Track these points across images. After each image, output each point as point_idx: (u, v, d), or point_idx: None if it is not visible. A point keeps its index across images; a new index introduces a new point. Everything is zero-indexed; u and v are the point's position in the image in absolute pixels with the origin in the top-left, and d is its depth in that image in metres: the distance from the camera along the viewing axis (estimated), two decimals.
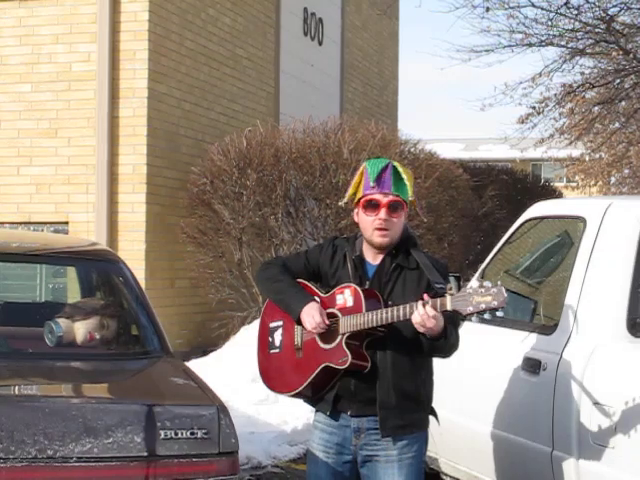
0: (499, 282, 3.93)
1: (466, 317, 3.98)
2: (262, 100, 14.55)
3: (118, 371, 5.14)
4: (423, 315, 3.94)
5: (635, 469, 4.56)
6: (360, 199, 4.30)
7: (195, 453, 4.13)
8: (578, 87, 16.04)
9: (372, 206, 4.25)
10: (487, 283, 3.90)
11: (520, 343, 5.46)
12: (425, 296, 4.01)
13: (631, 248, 5.11)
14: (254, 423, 8.45)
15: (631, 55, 14.84)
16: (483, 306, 3.87)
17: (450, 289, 4.14)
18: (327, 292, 4.32)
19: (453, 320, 4.12)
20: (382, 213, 4.22)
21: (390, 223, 4.23)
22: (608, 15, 14.58)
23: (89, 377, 5.04)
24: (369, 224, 4.26)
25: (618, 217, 5.29)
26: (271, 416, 8.70)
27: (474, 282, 3.92)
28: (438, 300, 3.96)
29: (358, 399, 4.23)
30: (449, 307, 3.94)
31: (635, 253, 5.08)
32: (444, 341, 4.11)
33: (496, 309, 3.87)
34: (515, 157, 27.85)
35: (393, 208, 4.24)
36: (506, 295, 3.87)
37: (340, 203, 4.72)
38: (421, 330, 4.01)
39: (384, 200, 4.23)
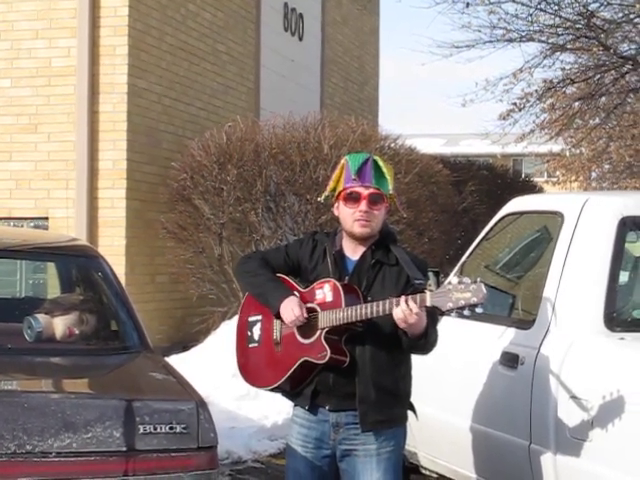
0: (478, 278, 3.93)
1: (445, 313, 4.00)
2: (242, 95, 14.53)
3: (97, 366, 5.14)
4: (405, 310, 3.96)
5: (612, 462, 4.59)
6: (341, 192, 4.32)
7: (174, 448, 4.13)
8: (559, 83, 16.07)
9: (353, 198, 4.27)
10: (466, 279, 3.91)
11: (498, 338, 5.49)
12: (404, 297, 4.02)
13: (608, 243, 5.14)
14: (235, 418, 8.46)
15: (611, 51, 14.87)
16: (462, 302, 3.88)
17: (429, 285, 4.16)
18: (306, 287, 4.33)
19: (432, 316, 4.14)
20: (363, 205, 4.24)
21: (371, 215, 4.25)
22: (588, 11, 14.61)
23: (68, 372, 5.04)
24: (349, 216, 4.28)
25: (595, 212, 5.33)
26: (252, 411, 8.70)
27: (453, 278, 3.93)
28: (418, 296, 3.96)
29: (336, 394, 4.24)
30: (428, 303, 3.95)
31: (612, 248, 5.12)
32: (424, 340, 4.13)
33: (475, 305, 3.88)
34: (496, 152, 27.83)
35: (374, 200, 4.26)
36: (485, 291, 3.87)
37: (319, 198, 4.71)
38: (402, 326, 4.02)
39: (365, 192, 4.25)
